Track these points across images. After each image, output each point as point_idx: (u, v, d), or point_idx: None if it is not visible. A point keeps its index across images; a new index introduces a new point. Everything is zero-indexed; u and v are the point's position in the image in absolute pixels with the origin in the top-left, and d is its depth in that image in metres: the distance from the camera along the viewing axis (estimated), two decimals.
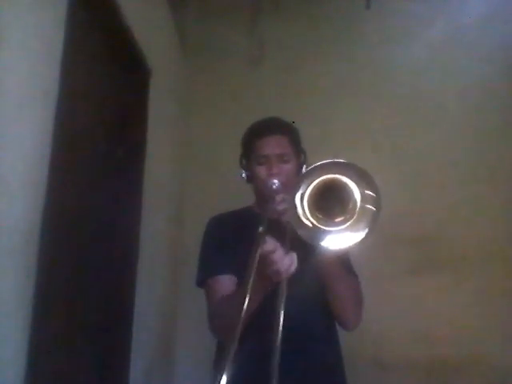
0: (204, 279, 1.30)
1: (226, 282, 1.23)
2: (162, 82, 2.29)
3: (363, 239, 0.98)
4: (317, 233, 1.01)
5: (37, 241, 1.17)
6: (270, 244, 0.94)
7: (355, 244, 0.99)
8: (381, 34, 2.81)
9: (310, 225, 1.01)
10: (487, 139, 2.63)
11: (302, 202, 1.01)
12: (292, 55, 2.86)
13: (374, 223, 0.98)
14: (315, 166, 0.98)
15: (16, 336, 1.11)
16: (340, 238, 1.01)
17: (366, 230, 0.98)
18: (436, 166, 2.63)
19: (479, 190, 2.55)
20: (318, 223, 1.01)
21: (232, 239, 1.29)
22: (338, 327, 1.34)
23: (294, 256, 0.95)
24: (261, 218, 1.02)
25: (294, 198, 1.01)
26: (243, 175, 1.38)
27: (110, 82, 1.87)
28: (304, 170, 1.32)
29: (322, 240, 1.00)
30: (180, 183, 2.74)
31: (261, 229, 0.96)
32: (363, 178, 0.97)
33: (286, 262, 0.94)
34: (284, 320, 0.93)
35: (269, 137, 1.33)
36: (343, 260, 1.28)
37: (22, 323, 1.12)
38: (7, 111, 1.06)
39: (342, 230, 1.01)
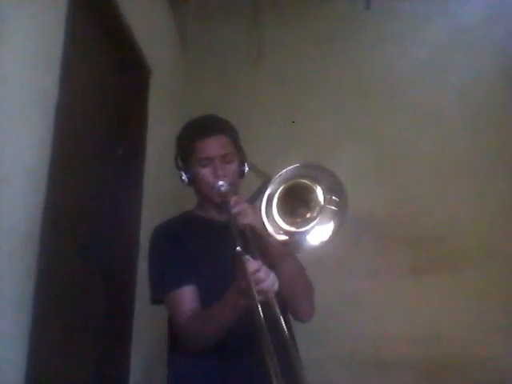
0: (163, 295, 1.25)
1: (189, 294, 1.21)
2: (162, 81, 2.29)
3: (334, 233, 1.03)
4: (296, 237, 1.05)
5: (37, 241, 1.17)
6: (254, 263, 0.92)
7: (329, 239, 1.03)
8: (381, 34, 2.81)
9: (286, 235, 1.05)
10: (486, 139, 2.62)
11: (269, 214, 1.03)
12: (291, 55, 2.86)
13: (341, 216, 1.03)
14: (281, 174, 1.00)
15: (16, 336, 1.11)
16: (314, 235, 1.05)
17: (333, 224, 1.04)
18: (436, 165, 2.63)
19: (478, 190, 2.55)
20: (296, 228, 1.05)
21: (183, 247, 1.24)
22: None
23: (273, 273, 0.95)
24: (230, 231, 1.03)
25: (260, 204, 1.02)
26: (183, 178, 1.30)
27: (109, 82, 1.87)
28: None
29: (303, 242, 1.05)
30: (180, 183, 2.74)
31: (238, 248, 0.94)
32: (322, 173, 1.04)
33: (271, 279, 0.93)
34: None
35: (211, 137, 1.25)
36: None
37: (21, 323, 1.12)
38: (7, 111, 1.06)
39: (312, 227, 1.05)
